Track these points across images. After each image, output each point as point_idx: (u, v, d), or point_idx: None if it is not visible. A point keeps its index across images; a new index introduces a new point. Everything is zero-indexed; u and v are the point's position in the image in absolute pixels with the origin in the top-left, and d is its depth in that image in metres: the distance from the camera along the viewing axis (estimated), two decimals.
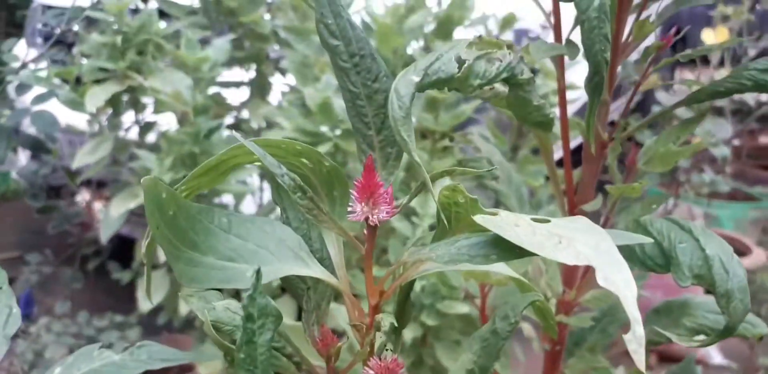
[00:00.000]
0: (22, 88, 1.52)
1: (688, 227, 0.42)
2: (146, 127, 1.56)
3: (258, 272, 0.31)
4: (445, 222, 0.38)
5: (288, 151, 0.41)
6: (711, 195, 2.96)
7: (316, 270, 0.38)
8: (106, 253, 1.86)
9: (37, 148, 1.56)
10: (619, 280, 0.28)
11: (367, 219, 0.38)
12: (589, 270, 0.57)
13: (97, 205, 2.33)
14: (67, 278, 1.75)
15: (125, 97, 1.45)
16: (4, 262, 2.40)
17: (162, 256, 1.37)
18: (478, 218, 0.34)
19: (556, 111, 0.58)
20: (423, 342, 1.16)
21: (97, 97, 1.27)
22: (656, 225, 0.43)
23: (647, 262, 0.43)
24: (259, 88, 1.67)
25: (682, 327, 0.58)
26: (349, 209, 0.39)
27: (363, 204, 0.38)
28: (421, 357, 1.19)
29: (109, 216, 1.36)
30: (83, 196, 2.31)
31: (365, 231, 0.40)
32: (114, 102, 1.40)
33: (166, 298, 1.49)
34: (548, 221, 0.34)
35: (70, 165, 1.88)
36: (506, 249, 0.33)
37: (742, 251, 2.83)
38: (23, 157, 2.44)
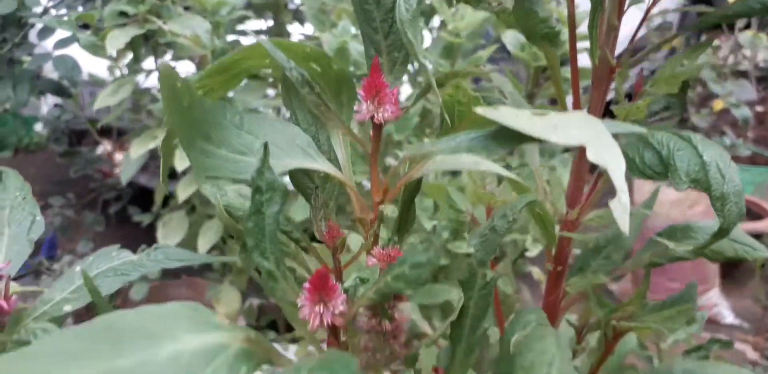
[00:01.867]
0: (44, 33, 1.54)
1: (688, 137, 0.43)
2: None
3: (265, 146, 0.32)
4: (449, 120, 0.39)
5: (297, 54, 0.43)
6: (731, 159, 2.93)
7: (323, 165, 0.40)
8: (127, 198, 1.91)
9: (60, 93, 1.59)
10: (608, 156, 0.30)
11: (372, 117, 0.39)
12: (592, 191, 0.59)
13: (119, 156, 2.37)
14: (89, 221, 1.80)
15: (145, 42, 1.47)
16: None
17: (182, 197, 1.41)
18: (479, 109, 0.35)
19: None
20: (434, 282, 1.19)
21: (117, 39, 1.28)
22: (657, 137, 0.44)
23: (646, 171, 0.44)
24: (277, 36, 1.67)
25: (683, 249, 0.60)
26: (356, 108, 0.40)
27: (369, 102, 0.39)
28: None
29: (129, 157, 1.39)
30: (105, 147, 2.35)
31: (371, 133, 0.41)
32: (134, 46, 1.41)
33: (185, 239, 1.53)
34: (547, 114, 0.35)
35: (92, 115, 1.91)
36: (504, 140, 0.35)
37: (760, 215, 2.82)
38: (45, 107, 2.48)
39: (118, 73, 1.51)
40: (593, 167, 0.59)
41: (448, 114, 0.39)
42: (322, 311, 0.34)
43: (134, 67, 1.49)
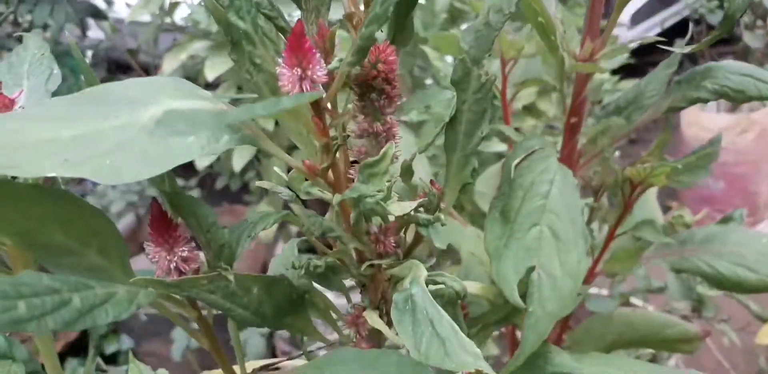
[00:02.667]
0: None
1: None
2: None
3: None
4: None
5: None
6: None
7: None
8: None
9: (95, 15, 1.61)
10: None
11: None
12: (609, 24, 0.56)
13: None
14: None
15: None
16: None
17: None
18: None
19: None
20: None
21: None
22: None
23: None
24: None
25: (704, 90, 0.57)
26: None
27: None
28: (460, 201, 1.21)
29: (163, 73, 1.41)
30: None
31: None
32: None
33: (220, 158, 1.56)
34: None
35: (131, 48, 1.94)
36: None
37: None
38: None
39: None
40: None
41: None
42: (301, 75, 0.34)
43: None
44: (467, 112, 0.43)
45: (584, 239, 0.47)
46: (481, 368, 0.31)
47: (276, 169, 0.46)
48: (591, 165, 0.67)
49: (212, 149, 0.34)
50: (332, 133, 0.40)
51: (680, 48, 0.50)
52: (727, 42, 2.18)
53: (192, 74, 1.61)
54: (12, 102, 0.49)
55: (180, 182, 1.79)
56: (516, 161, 0.49)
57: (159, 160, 0.31)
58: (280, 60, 0.35)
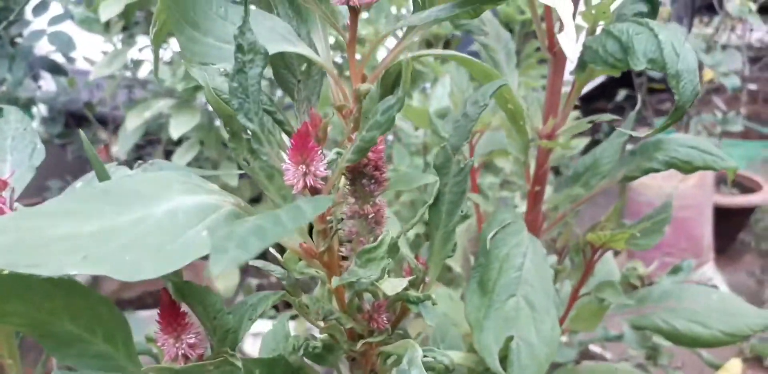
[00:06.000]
0: (39, 10, 1.56)
1: (645, 22, 0.45)
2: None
3: (245, 4, 0.35)
4: (420, 2, 0.42)
5: None
6: (723, 134, 2.96)
7: (302, 49, 0.42)
8: None
9: (54, 70, 1.61)
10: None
11: (348, 1, 0.42)
12: (568, 102, 0.61)
13: (115, 148, 2.38)
14: None
15: (139, 15, 1.49)
16: (29, 205, 2.47)
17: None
18: None
19: None
20: None
21: (110, 8, 1.30)
22: (618, 27, 0.47)
23: (608, 59, 0.46)
24: None
25: (655, 161, 0.62)
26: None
27: None
28: None
29: (126, 130, 1.41)
30: (102, 137, 2.36)
31: (347, 21, 0.44)
32: (127, 16, 1.44)
33: None
34: None
35: (89, 100, 1.94)
36: (466, 4, 0.38)
37: (752, 188, 2.86)
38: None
39: (111, 48, 1.53)
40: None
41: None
42: (305, 171, 0.37)
43: (128, 41, 1.52)
44: (448, 193, 0.46)
45: (556, 307, 0.51)
46: None
47: (271, 249, 0.48)
48: (555, 228, 0.71)
49: None
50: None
51: (635, 132, 0.55)
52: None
53: (153, 129, 1.62)
54: (5, 184, 0.50)
55: None
56: (491, 234, 0.52)
57: (176, 255, 0.33)
58: (284, 156, 0.38)
